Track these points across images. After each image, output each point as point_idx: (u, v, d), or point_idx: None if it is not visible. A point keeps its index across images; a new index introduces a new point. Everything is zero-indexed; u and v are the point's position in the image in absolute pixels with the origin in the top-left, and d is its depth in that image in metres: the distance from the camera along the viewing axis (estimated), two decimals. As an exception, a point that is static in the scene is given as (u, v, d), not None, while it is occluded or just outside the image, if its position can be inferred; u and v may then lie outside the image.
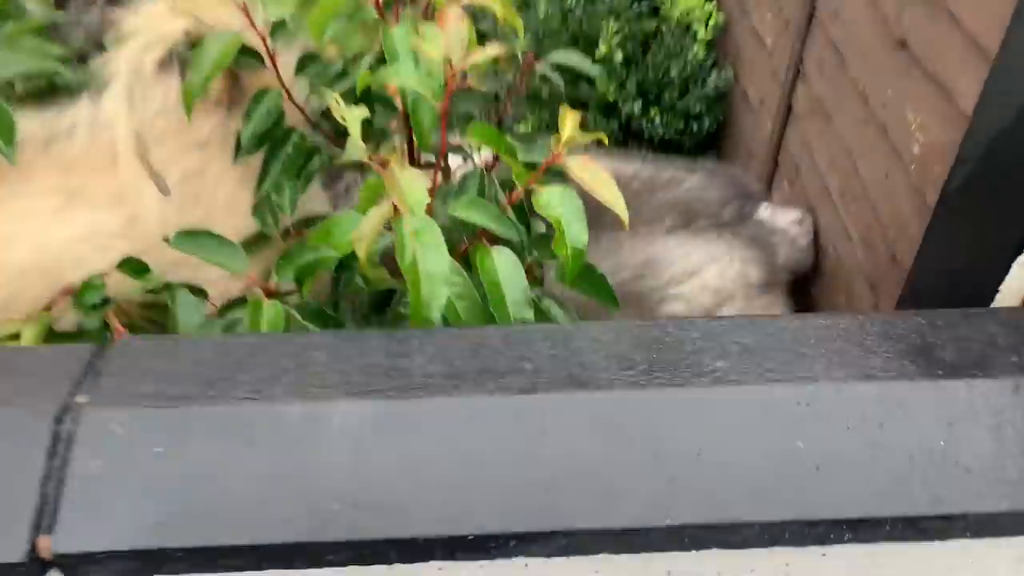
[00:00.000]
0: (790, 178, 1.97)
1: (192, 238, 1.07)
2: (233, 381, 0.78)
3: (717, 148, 2.61)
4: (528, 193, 1.08)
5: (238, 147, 1.30)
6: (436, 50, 1.07)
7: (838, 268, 1.74)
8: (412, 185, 0.91)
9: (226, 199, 1.36)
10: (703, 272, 1.78)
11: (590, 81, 2.57)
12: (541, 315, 1.16)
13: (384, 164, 0.92)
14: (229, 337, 0.88)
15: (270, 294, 1.06)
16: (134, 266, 1.12)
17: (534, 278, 1.23)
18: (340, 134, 1.41)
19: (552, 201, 1.04)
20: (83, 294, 1.11)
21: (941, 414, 0.78)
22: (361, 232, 0.97)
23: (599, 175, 1.02)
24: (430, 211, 0.98)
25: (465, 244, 1.15)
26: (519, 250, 1.11)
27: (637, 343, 0.87)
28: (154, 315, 1.27)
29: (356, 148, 0.92)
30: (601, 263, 1.79)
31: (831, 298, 1.78)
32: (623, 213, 1.01)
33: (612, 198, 1.01)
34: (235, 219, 1.36)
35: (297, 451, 0.74)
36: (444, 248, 0.97)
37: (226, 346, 0.83)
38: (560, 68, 1.50)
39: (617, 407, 0.79)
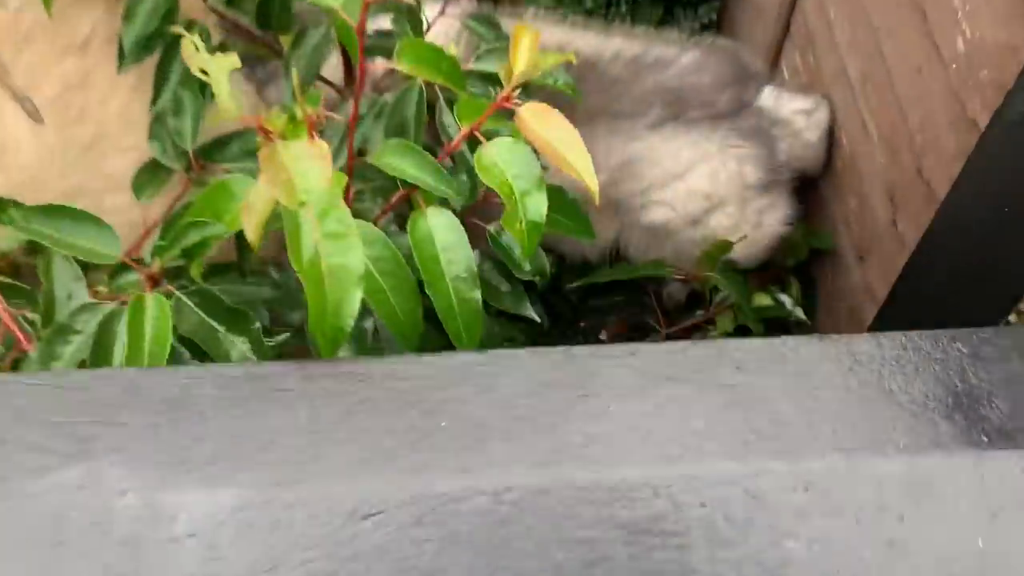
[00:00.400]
0: (803, 49, 1.70)
1: (47, 216, 0.85)
2: (45, 450, 0.60)
3: (718, 16, 2.27)
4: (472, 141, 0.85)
5: (122, 53, 1.05)
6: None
7: (852, 167, 1.51)
8: (302, 165, 0.68)
9: (120, 111, 1.12)
10: (691, 174, 1.54)
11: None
12: (490, 292, 0.96)
13: (266, 132, 0.69)
14: (59, 376, 0.69)
15: (155, 281, 0.85)
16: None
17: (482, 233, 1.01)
18: (263, 22, 1.16)
19: (499, 160, 0.82)
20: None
21: (983, 502, 0.60)
22: (251, 205, 0.75)
23: (562, 130, 0.79)
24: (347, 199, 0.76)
25: (396, 197, 0.93)
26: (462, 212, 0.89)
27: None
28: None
29: (225, 109, 0.69)
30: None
31: (843, 202, 1.56)
32: (593, 186, 0.78)
33: (579, 165, 0.78)
34: (135, 135, 1.13)
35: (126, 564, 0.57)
36: (357, 238, 0.75)
37: (53, 389, 0.64)
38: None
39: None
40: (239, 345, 0.86)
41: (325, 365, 0.69)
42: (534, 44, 0.82)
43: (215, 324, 0.86)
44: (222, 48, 1.13)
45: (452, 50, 1.01)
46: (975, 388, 0.65)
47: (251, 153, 1.10)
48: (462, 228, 0.88)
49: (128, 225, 1.14)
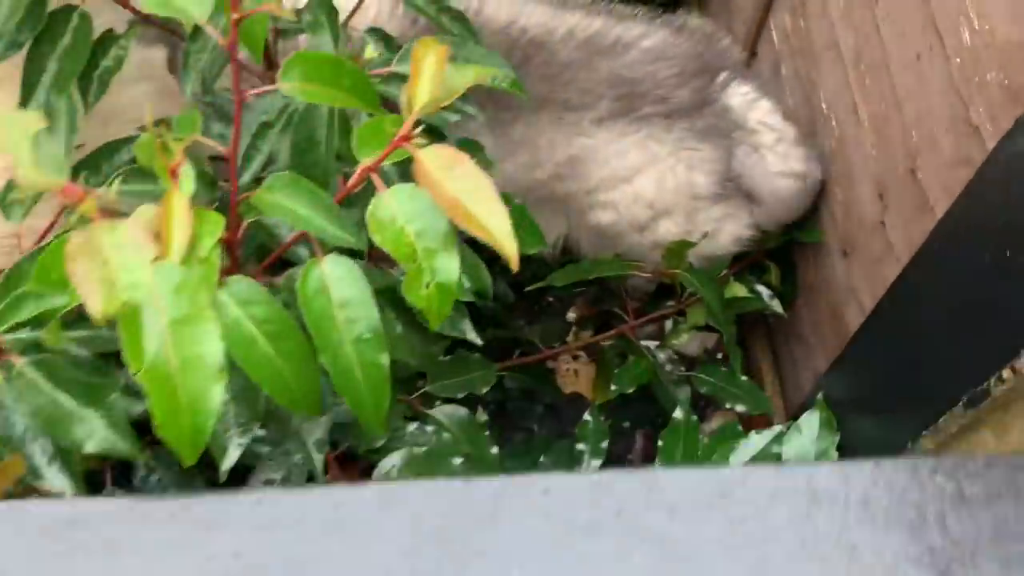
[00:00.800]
0: (793, 11, 1.52)
1: None
2: None
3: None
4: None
5: (-14, 48, 0.89)
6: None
7: (840, 153, 1.36)
8: (123, 258, 0.54)
9: None
10: (637, 179, 1.38)
11: None
12: (402, 347, 0.82)
13: (85, 215, 0.55)
14: None
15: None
16: None
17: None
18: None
19: (399, 215, 0.67)
20: None
21: None
22: (81, 277, 0.61)
23: (473, 182, 0.64)
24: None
25: (287, 240, 0.79)
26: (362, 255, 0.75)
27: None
28: None
29: (30, 183, 0.54)
30: (511, 157, 1.39)
31: (828, 188, 1.41)
32: (512, 252, 0.64)
33: (494, 225, 0.64)
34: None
35: None
36: (214, 321, 0.62)
37: None
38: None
39: None
40: (93, 423, 0.73)
41: (164, 503, 0.56)
42: (440, 65, 0.67)
43: (66, 398, 0.73)
44: (112, 39, 0.96)
45: (369, 53, 0.85)
46: (957, 543, 0.53)
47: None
48: (365, 279, 0.74)
49: (9, 239, 1.00)
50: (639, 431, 1.68)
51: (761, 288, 1.54)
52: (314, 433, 0.88)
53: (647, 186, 1.38)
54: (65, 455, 0.77)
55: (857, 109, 1.28)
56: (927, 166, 1.09)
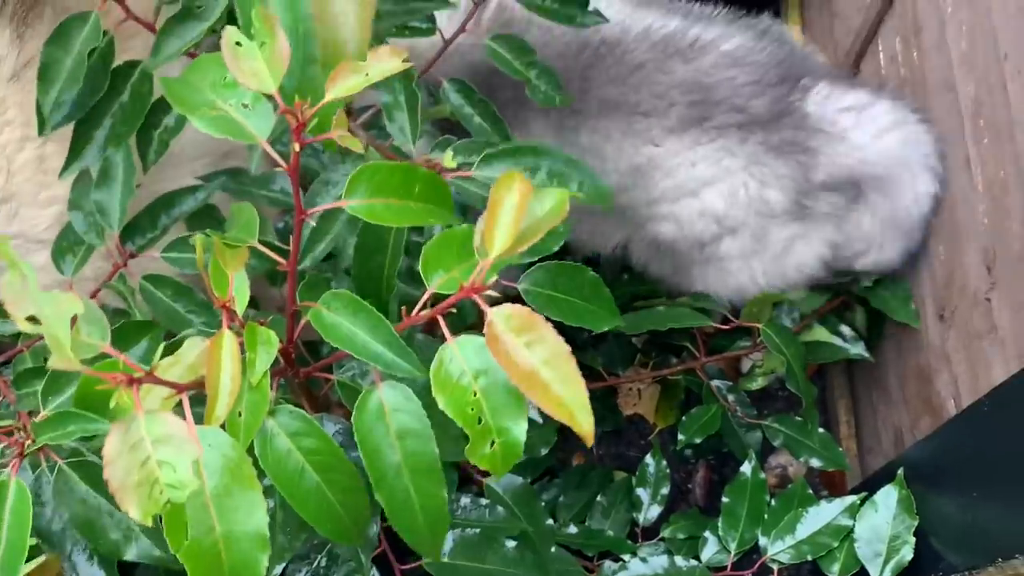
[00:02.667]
0: (905, 37, 1.39)
1: None
2: None
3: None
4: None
5: (41, 120, 0.83)
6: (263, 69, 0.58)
7: (947, 206, 1.25)
8: (165, 454, 0.50)
9: (36, 158, 0.92)
10: (705, 191, 1.28)
11: None
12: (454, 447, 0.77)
13: (123, 406, 0.50)
14: None
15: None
16: None
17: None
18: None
19: (467, 368, 0.62)
20: None
21: None
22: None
23: (551, 349, 0.58)
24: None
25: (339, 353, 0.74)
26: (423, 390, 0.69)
27: None
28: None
29: (61, 355, 0.49)
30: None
31: (927, 245, 1.30)
32: (589, 433, 0.58)
33: (572, 401, 0.58)
34: (59, 186, 0.94)
35: None
36: (259, 491, 0.57)
37: None
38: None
39: None
40: (130, 528, 0.70)
41: None
42: (523, 206, 0.60)
43: (103, 502, 0.70)
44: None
45: (449, 161, 0.77)
46: None
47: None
48: (423, 409, 0.69)
49: (53, 286, 0.96)
50: (701, 460, 1.62)
51: (845, 329, 1.44)
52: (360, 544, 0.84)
53: (716, 201, 1.29)
54: (103, 555, 0.75)
55: (971, 166, 1.17)
56: (1049, 255, 0.99)
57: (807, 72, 1.32)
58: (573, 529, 1.34)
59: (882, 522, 1.18)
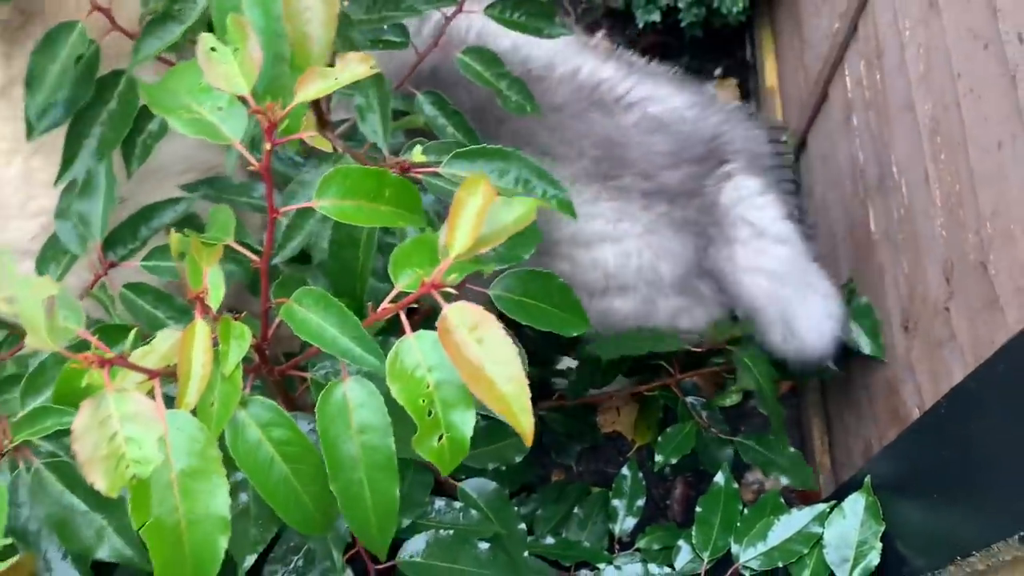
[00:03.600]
0: (868, 61, 1.44)
1: None
2: None
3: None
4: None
5: (29, 125, 0.87)
6: (236, 73, 0.62)
7: (908, 222, 1.28)
8: (135, 428, 0.53)
9: (24, 171, 0.96)
10: (598, 246, 1.27)
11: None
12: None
13: (93, 384, 0.53)
14: None
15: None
16: None
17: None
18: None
19: (421, 359, 0.65)
20: None
21: None
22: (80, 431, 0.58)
23: (499, 348, 0.61)
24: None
25: (309, 351, 0.77)
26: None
27: None
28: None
29: (40, 343, 0.52)
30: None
31: (894, 257, 1.34)
32: (528, 429, 0.61)
33: (513, 398, 0.60)
34: (46, 198, 0.97)
35: None
36: (222, 474, 0.60)
37: None
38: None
39: None
40: (102, 528, 0.73)
41: None
42: (484, 209, 0.63)
43: (77, 502, 0.72)
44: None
45: (417, 156, 0.81)
46: None
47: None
48: (384, 406, 0.72)
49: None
50: (679, 477, 1.64)
51: (815, 347, 1.48)
52: (330, 535, 0.87)
53: (608, 258, 1.28)
54: (77, 554, 0.77)
55: (929, 182, 1.21)
56: (1000, 262, 1.02)
57: (737, 157, 1.29)
58: (550, 540, 1.35)
59: (850, 528, 1.20)
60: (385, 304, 0.68)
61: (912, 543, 1.14)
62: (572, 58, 1.27)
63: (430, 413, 0.64)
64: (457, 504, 1.05)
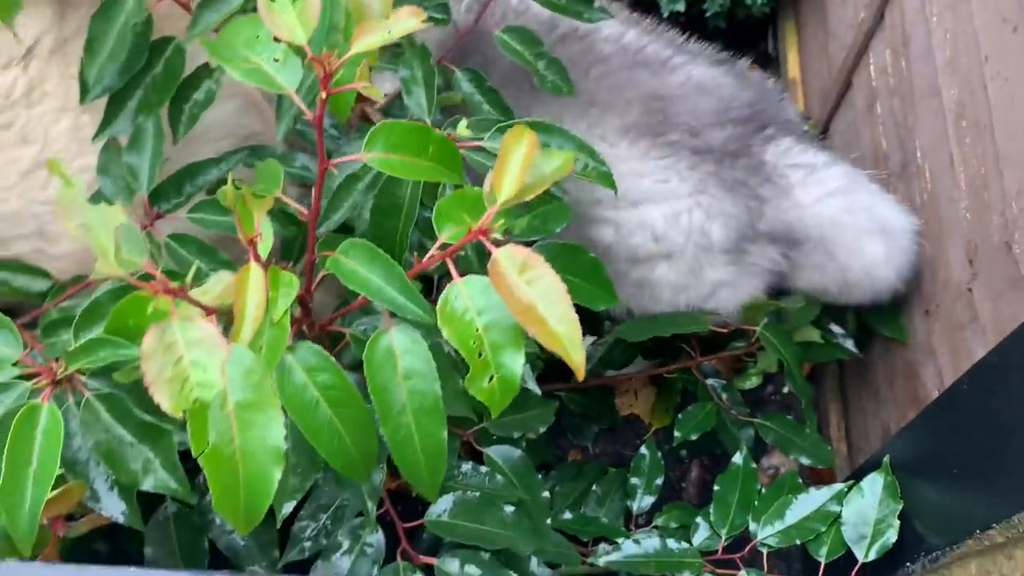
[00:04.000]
0: (895, 48, 1.45)
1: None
2: None
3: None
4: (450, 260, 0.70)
5: (84, 88, 0.89)
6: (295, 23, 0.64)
7: (931, 206, 1.30)
8: (199, 353, 0.55)
9: (71, 131, 0.98)
10: (646, 206, 1.25)
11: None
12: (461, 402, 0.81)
13: (161, 309, 0.55)
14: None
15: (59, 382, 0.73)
16: None
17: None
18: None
19: (472, 305, 0.66)
20: None
21: None
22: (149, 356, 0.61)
23: (549, 286, 0.63)
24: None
25: (355, 303, 0.79)
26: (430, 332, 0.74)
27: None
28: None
29: (108, 270, 0.54)
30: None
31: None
32: (580, 362, 0.63)
33: (564, 334, 0.62)
34: (91, 156, 0.99)
35: None
36: (278, 407, 0.62)
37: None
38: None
39: None
40: (149, 460, 0.75)
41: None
42: (529, 157, 0.65)
43: (125, 433, 0.74)
44: (207, 73, 0.96)
45: (463, 130, 0.83)
46: None
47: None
48: (429, 352, 0.74)
49: (83, 251, 1.01)
50: (695, 460, 1.66)
51: (836, 328, 1.49)
52: (368, 484, 0.89)
53: (657, 218, 1.26)
54: (123, 484, 0.79)
55: (954, 165, 1.23)
56: (1024, 242, 1.04)
57: (775, 123, 1.31)
58: (568, 515, 1.37)
59: (868, 507, 1.22)
60: (432, 252, 0.70)
61: (930, 520, 1.15)
62: (618, 24, 1.28)
63: (480, 355, 0.66)
64: (483, 468, 1.07)
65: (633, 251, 1.28)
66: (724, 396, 1.51)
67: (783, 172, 1.27)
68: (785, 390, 1.67)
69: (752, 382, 1.53)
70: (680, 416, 1.47)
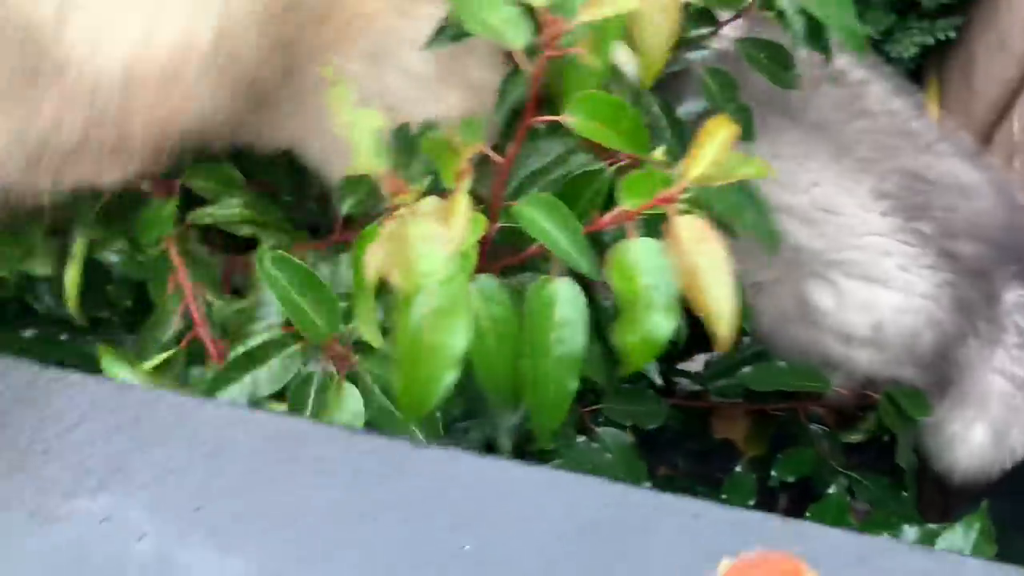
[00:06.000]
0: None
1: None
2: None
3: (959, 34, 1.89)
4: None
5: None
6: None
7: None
8: (427, 248, 0.64)
9: None
10: (878, 288, 1.15)
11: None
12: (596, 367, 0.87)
13: (393, 207, 0.65)
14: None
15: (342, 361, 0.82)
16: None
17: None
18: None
19: (639, 265, 0.74)
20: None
21: None
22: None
23: (715, 258, 0.70)
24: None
25: (529, 251, 0.87)
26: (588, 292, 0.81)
27: None
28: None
29: (366, 165, 0.65)
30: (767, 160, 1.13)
31: None
32: (724, 332, 0.70)
33: (718, 303, 0.69)
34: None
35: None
36: (467, 320, 0.71)
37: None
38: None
39: None
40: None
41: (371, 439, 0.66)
42: (725, 148, 0.72)
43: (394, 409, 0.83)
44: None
45: (659, 155, 0.86)
46: None
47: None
48: (586, 308, 0.81)
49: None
50: (785, 493, 1.67)
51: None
52: (508, 420, 0.95)
53: (884, 306, 1.16)
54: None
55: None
56: None
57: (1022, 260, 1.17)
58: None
59: (961, 548, 1.20)
60: (616, 210, 0.77)
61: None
62: (886, 87, 1.19)
63: (635, 309, 0.73)
64: (595, 445, 1.14)
65: (847, 329, 1.19)
66: (825, 443, 1.53)
67: (1006, 326, 1.17)
68: (884, 437, 1.67)
69: (857, 437, 1.55)
70: (780, 456, 1.49)
